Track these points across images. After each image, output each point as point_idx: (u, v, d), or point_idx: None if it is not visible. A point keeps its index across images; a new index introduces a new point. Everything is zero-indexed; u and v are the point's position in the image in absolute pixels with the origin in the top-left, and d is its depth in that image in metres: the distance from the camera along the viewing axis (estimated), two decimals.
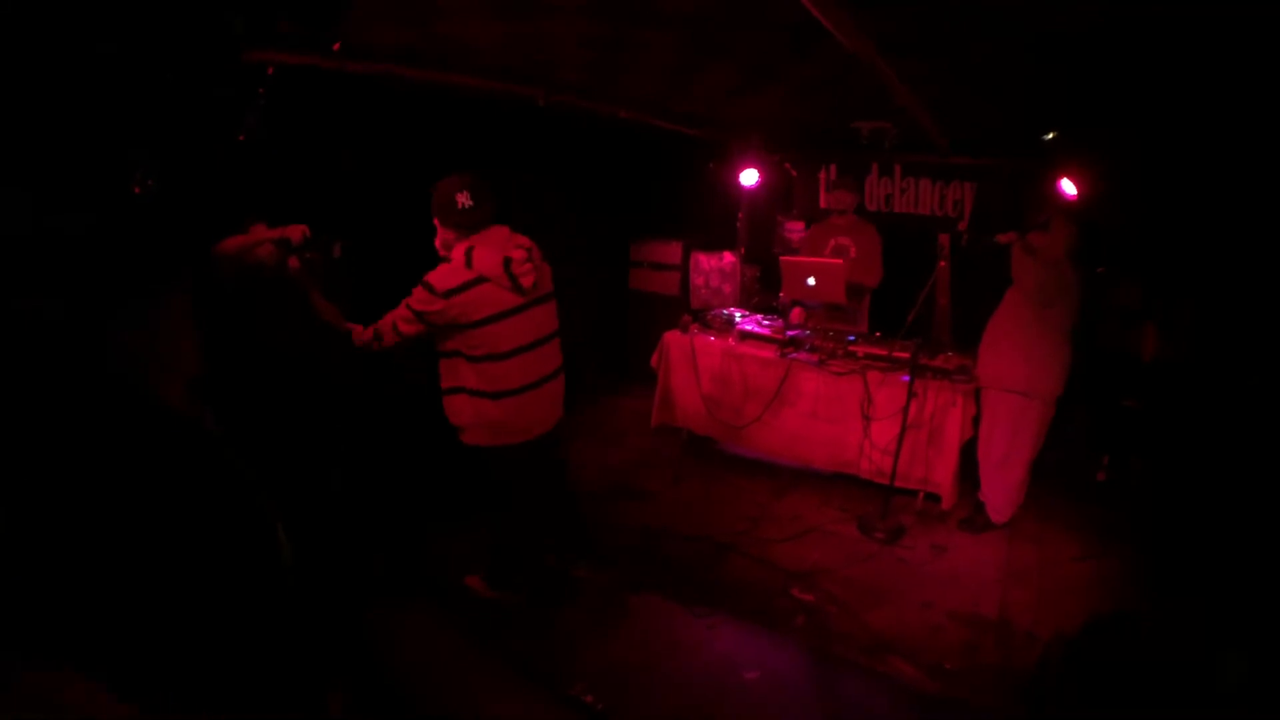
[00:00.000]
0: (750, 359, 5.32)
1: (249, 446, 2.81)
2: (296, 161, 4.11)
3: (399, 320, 3.27)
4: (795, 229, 6.67)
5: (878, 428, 4.89)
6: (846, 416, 5.02)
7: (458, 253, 3.23)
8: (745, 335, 5.46)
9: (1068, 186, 4.42)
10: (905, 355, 4.78)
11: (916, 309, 4.59)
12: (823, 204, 6.35)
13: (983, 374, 4.54)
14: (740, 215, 6.76)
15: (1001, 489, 4.56)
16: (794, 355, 5.17)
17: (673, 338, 5.67)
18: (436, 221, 3.34)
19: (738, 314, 5.74)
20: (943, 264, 4.78)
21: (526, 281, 3.25)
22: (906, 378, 4.62)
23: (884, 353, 4.94)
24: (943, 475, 4.70)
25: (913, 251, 5.56)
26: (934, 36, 3.36)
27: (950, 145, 5.56)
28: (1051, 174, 4.52)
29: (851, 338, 5.13)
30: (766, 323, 5.56)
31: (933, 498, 4.82)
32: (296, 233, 3.32)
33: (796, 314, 5.70)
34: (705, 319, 5.70)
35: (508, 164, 6.08)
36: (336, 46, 3.22)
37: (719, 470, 5.45)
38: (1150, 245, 5.13)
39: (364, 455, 4.18)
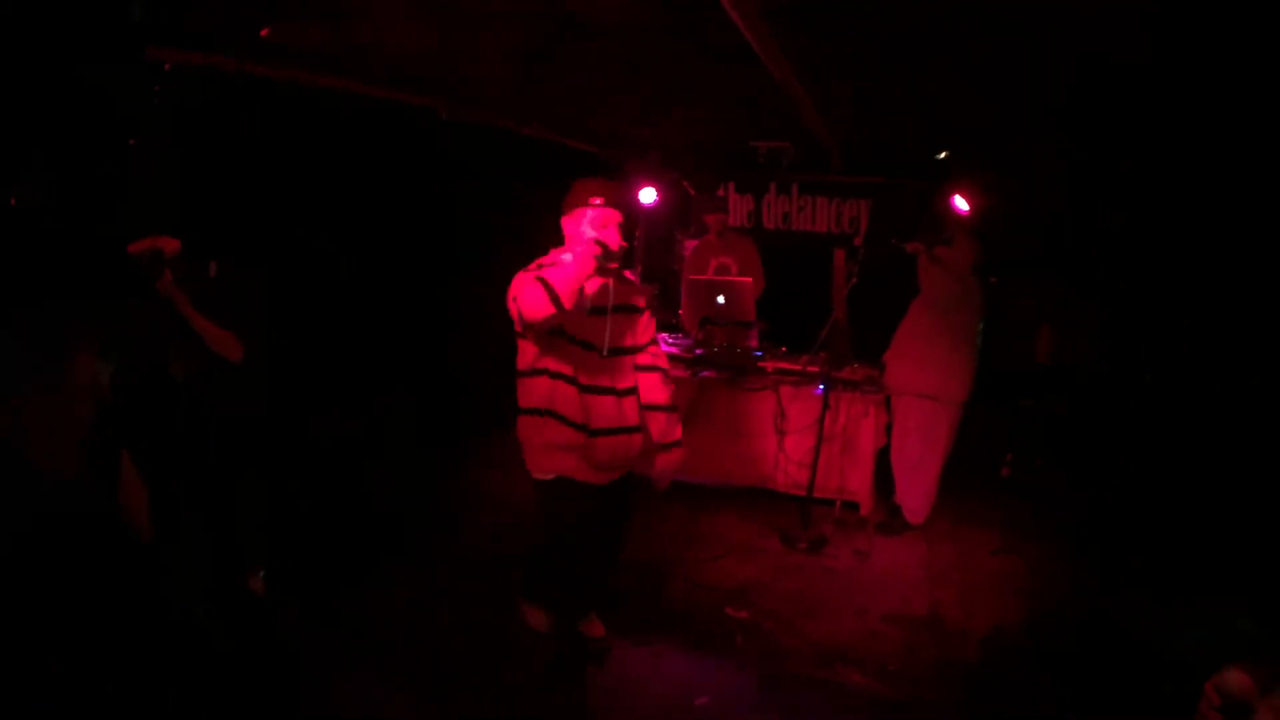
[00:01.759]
0: None
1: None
2: (188, 170, 3.79)
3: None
4: (693, 246, 6.74)
5: (792, 441, 4.97)
6: (760, 432, 5.07)
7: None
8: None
9: (960, 202, 4.67)
10: (816, 369, 4.89)
11: (830, 323, 4.71)
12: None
13: (893, 382, 4.71)
14: (638, 233, 6.76)
15: (917, 491, 4.74)
16: (704, 374, 5.18)
17: None
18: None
19: None
20: (852, 280, 4.95)
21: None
22: (819, 391, 4.73)
23: (796, 367, 5.03)
24: (859, 483, 4.83)
25: (811, 268, 5.71)
26: (854, 62, 3.47)
27: (847, 164, 5.77)
28: (948, 191, 4.77)
29: (759, 353, 5.19)
30: (673, 341, 5.55)
31: (850, 505, 4.93)
32: (170, 245, 3.04)
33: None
34: None
35: (406, 180, 5.85)
36: (265, 32, 2.96)
37: (638, 495, 5.36)
38: (1041, 255, 5.51)
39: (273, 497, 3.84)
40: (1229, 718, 1.48)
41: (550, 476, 3.14)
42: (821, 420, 4.66)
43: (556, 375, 3.05)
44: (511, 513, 4.84)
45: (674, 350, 5.38)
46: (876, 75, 3.69)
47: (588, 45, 3.39)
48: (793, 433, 4.94)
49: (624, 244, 3.08)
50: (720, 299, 5.16)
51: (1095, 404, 5.14)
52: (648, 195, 6.38)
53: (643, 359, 3.30)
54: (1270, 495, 3.90)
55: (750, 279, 5.26)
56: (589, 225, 3.02)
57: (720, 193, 6.52)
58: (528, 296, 2.80)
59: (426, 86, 4.33)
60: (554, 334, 2.98)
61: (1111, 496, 4.63)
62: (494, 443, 6.03)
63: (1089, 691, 3.18)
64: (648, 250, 6.83)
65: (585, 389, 3.05)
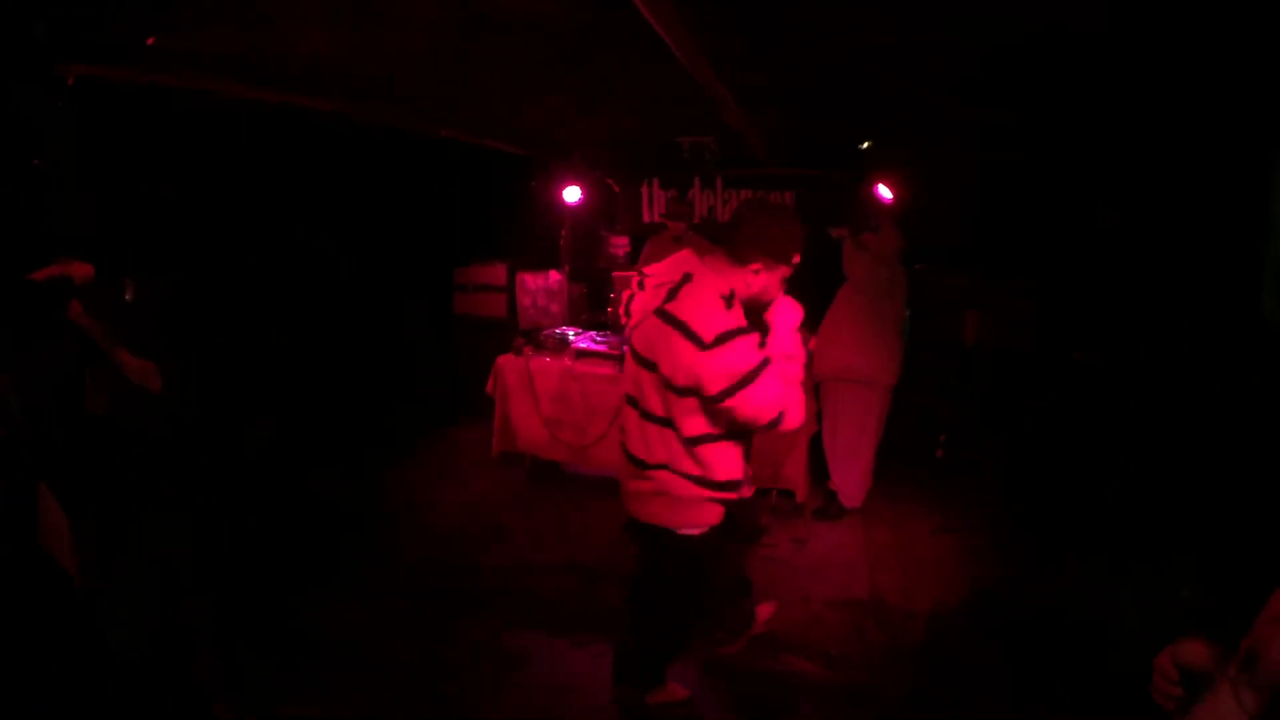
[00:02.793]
0: (590, 377, 5.18)
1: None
2: (94, 187, 3.58)
3: None
4: (620, 244, 6.68)
5: None
6: None
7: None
8: (582, 353, 5.32)
9: (884, 192, 4.71)
10: None
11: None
12: (646, 218, 6.40)
13: (822, 368, 4.70)
14: (564, 233, 6.67)
15: (851, 476, 4.74)
16: None
17: (506, 361, 5.42)
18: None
19: (571, 332, 5.60)
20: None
21: (634, 319, 2.70)
22: None
23: None
24: (794, 471, 4.80)
25: None
26: (771, 55, 3.45)
27: (770, 156, 5.78)
28: (871, 180, 4.80)
29: None
30: (602, 339, 5.47)
31: (786, 493, 4.90)
32: (79, 272, 2.82)
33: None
34: (539, 340, 5.51)
35: (320, 187, 5.68)
36: (151, 41, 2.78)
37: (570, 494, 5.27)
38: (963, 243, 5.61)
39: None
40: (1187, 691, 1.41)
41: (701, 530, 2.70)
42: None
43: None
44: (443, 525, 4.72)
45: (602, 348, 5.30)
46: (794, 66, 3.68)
47: (500, 45, 3.30)
48: None
49: None
50: None
51: (1024, 383, 5.24)
52: (572, 194, 6.31)
53: None
54: (1195, 464, 4.01)
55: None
56: (769, 288, 2.54)
57: (644, 189, 6.48)
58: (765, 392, 2.36)
59: (339, 92, 4.17)
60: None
61: (1046, 474, 4.70)
62: (421, 452, 5.92)
63: (1034, 670, 3.18)
64: (574, 249, 6.73)
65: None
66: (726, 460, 2.58)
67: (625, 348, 2.86)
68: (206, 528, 3.56)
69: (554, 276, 6.00)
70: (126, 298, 3.02)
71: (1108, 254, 4.97)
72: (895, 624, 3.70)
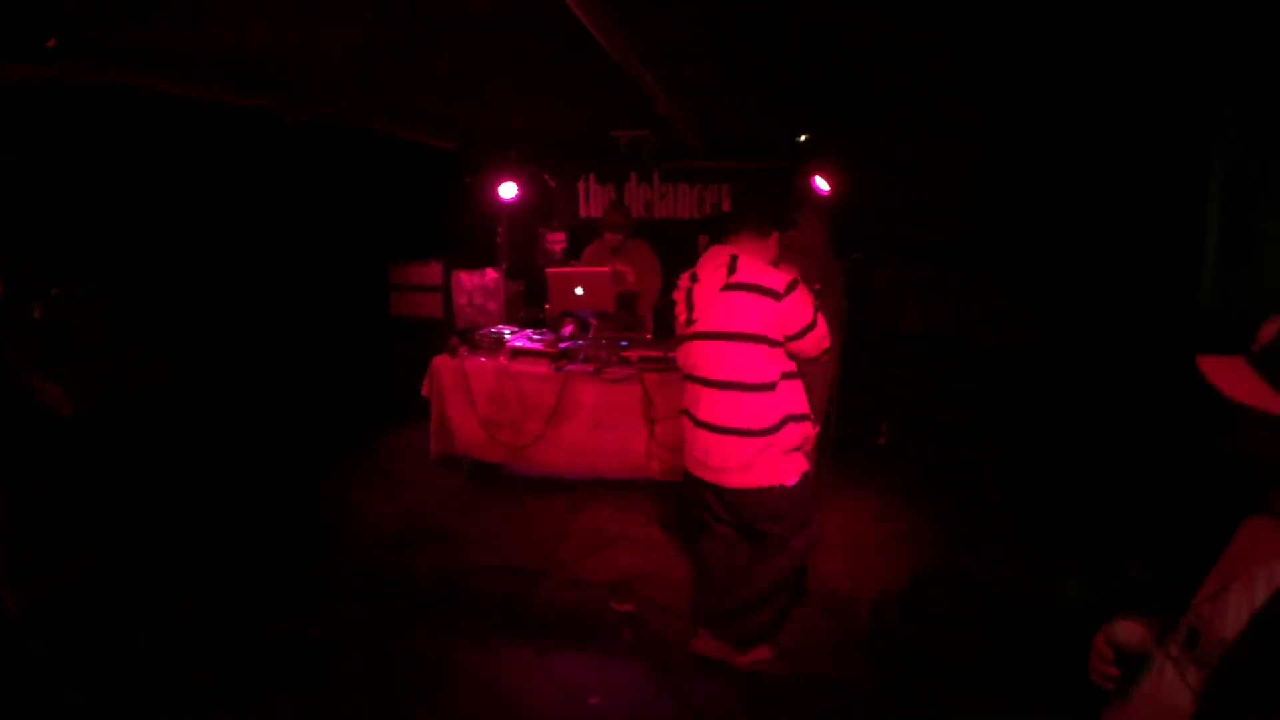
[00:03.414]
0: (525, 376, 5.11)
1: None
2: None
3: None
4: (557, 240, 6.59)
5: (662, 428, 4.87)
6: (630, 422, 4.95)
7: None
8: (517, 352, 5.25)
9: (821, 183, 4.68)
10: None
11: None
12: (583, 213, 6.34)
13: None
14: (500, 229, 6.57)
15: None
16: (569, 367, 5.04)
17: (442, 362, 5.33)
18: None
19: (507, 331, 5.53)
20: None
21: (695, 310, 3.04)
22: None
23: (659, 354, 4.95)
24: None
25: (674, 254, 5.65)
26: (701, 48, 3.41)
27: (707, 150, 5.74)
28: (804, 173, 4.78)
29: (625, 343, 5.09)
30: (538, 337, 5.40)
31: None
32: None
33: (569, 326, 5.58)
34: (474, 339, 5.43)
35: (249, 187, 5.54)
36: (52, 43, 2.66)
37: (510, 495, 5.21)
38: (896, 232, 5.64)
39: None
40: (1125, 671, 1.42)
41: (800, 475, 3.09)
42: None
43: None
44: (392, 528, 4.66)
45: (537, 346, 5.24)
46: (726, 58, 3.64)
47: (430, 39, 3.23)
48: (662, 420, 4.83)
49: None
50: (579, 290, 5.03)
51: (964, 369, 5.28)
52: (508, 190, 6.22)
53: None
54: (1133, 446, 4.06)
55: (607, 269, 5.16)
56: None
57: (581, 184, 6.41)
58: (822, 328, 3.01)
59: (267, 88, 4.06)
60: None
61: (990, 459, 4.74)
62: (359, 457, 5.81)
63: (978, 653, 3.18)
64: (512, 246, 6.64)
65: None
66: (801, 394, 3.07)
67: (690, 343, 3.13)
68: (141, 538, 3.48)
69: (490, 274, 5.91)
70: (35, 315, 2.89)
71: (1061, 245, 5.02)
72: (842, 611, 3.70)
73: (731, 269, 2.94)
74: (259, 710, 3.06)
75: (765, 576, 3.21)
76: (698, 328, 3.04)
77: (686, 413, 3.18)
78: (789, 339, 2.92)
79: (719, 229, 3.21)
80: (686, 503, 3.57)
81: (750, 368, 2.92)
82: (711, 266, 3.02)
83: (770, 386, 2.93)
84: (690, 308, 3.08)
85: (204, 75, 3.74)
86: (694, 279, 3.09)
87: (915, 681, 3.14)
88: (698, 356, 3.06)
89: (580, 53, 3.20)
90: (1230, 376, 1.28)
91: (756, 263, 2.97)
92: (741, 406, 2.94)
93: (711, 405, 3.01)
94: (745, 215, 3.11)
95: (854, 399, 5.25)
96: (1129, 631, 1.42)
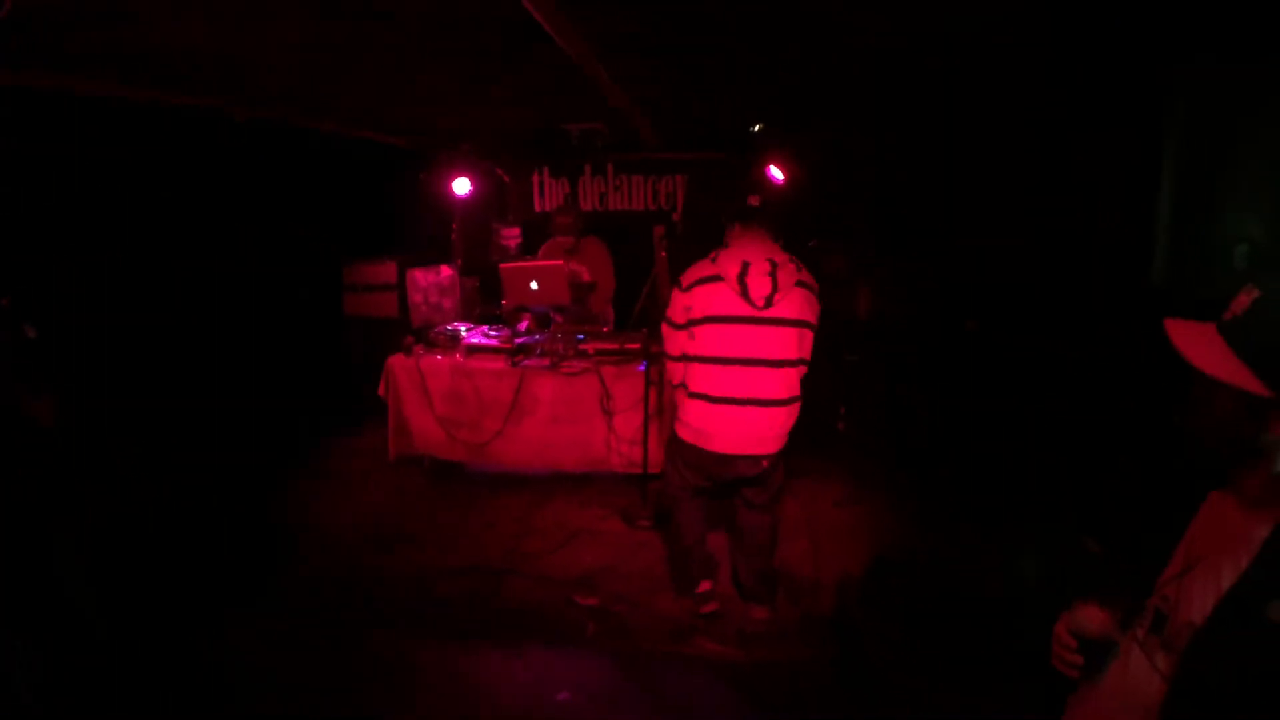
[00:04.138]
0: (481, 373, 5.07)
1: None
2: None
3: (665, 344, 3.42)
4: (511, 235, 6.54)
5: (620, 421, 4.86)
6: (588, 415, 4.93)
7: (715, 251, 3.29)
8: (473, 349, 5.21)
9: (775, 173, 4.68)
10: (636, 346, 4.82)
11: (642, 300, 4.63)
12: (537, 208, 6.30)
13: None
14: (454, 226, 6.50)
15: None
16: (526, 363, 5.01)
17: (397, 361, 5.27)
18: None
19: (463, 328, 5.48)
20: (662, 254, 4.88)
21: (757, 293, 3.17)
22: (641, 368, 4.64)
23: (615, 346, 4.95)
24: None
25: (629, 246, 5.65)
26: (652, 39, 3.38)
27: (660, 142, 5.73)
28: (758, 163, 4.78)
29: (581, 336, 5.07)
30: (494, 334, 5.37)
31: None
32: None
33: (525, 321, 5.55)
34: (429, 337, 5.37)
35: (197, 188, 5.44)
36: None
37: (471, 493, 5.14)
38: (847, 221, 5.66)
39: None
40: (1089, 658, 1.39)
41: None
42: (646, 397, 4.57)
43: None
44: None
45: (493, 342, 5.20)
46: (676, 49, 3.62)
47: (374, 33, 3.16)
48: (620, 412, 4.82)
49: None
50: (534, 284, 5.00)
51: (907, 353, 5.32)
52: (462, 186, 6.16)
53: None
54: (1089, 427, 4.12)
55: (560, 262, 5.13)
56: None
57: (535, 178, 6.36)
58: None
59: (213, 88, 3.98)
60: None
61: (942, 441, 4.78)
62: (317, 461, 5.72)
63: (939, 638, 3.21)
64: (467, 243, 6.58)
65: None
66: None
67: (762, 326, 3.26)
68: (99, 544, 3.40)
69: (445, 271, 5.86)
70: (29, 335, 2.83)
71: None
72: (805, 597, 3.71)
73: (800, 269, 3.33)
74: (219, 715, 3.02)
75: (772, 537, 3.65)
76: (761, 313, 3.21)
77: (704, 396, 3.30)
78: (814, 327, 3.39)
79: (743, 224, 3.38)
80: (688, 488, 3.57)
81: (797, 348, 3.31)
82: (761, 259, 3.23)
83: (801, 361, 3.38)
84: (745, 293, 3.19)
85: (146, 76, 3.66)
86: (741, 269, 3.22)
87: (877, 667, 3.17)
88: (745, 340, 3.24)
89: (530, 46, 3.17)
90: (1199, 346, 1.21)
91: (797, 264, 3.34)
92: (789, 381, 3.32)
93: (763, 383, 3.26)
94: (763, 215, 3.39)
95: (812, 385, 5.29)
96: (1090, 617, 1.39)
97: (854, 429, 5.63)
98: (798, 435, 5.02)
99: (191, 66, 3.53)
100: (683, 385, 3.40)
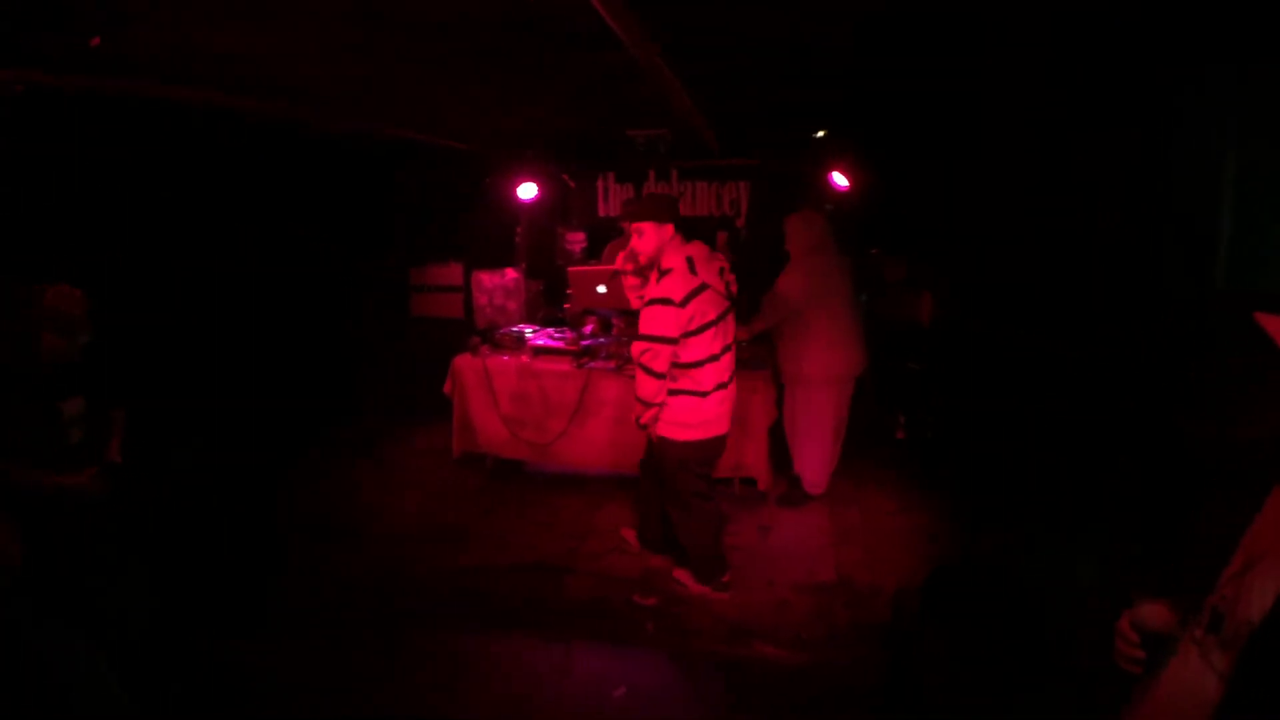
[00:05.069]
0: (548, 374, 5.12)
1: None
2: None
3: (649, 364, 3.42)
4: (576, 239, 6.61)
5: None
6: None
7: (677, 260, 3.43)
8: (539, 350, 5.27)
9: (839, 179, 4.70)
10: None
11: None
12: (601, 213, 6.36)
13: (815, 372, 4.61)
14: (519, 230, 6.59)
15: (814, 463, 4.73)
16: (591, 364, 5.05)
17: (464, 361, 5.35)
18: (651, 224, 3.50)
19: (528, 330, 5.55)
20: (731, 258, 4.90)
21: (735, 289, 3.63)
22: None
23: None
24: (755, 459, 4.77)
25: None
26: (715, 42, 3.41)
27: (725, 146, 5.76)
28: (821, 170, 4.80)
29: None
30: (559, 336, 5.42)
31: (748, 482, 4.87)
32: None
33: (590, 324, 5.60)
34: (495, 339, 5.45)
35: (266, 197, 5.57)
36: (96, 41, 2.69)
37: (531, 492, 5.19)
38: (911, 227, 5.64)
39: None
40: (1151, 655, 1.37)
41: None
42: None
43: None
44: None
45: (559, 344, 5.25)
46: (742, 54, 3.65)
47: (439, 40, 3.21)
48: None
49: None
50: (601, 288, 5.04)
51: (968, 362, 5.28)
52: (527, 191, 6.25)
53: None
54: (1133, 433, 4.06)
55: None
56: None
57: (599, 183, 6.43)
58: None
59: (282, 96, 4.08)
60: None
61: (1004, 450, 4.72)
62: (381, 457, 5.81)
63: (996, 643, 3.17)
64: (532, 246, 6.66)
65: None
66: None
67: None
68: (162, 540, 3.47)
69: (510, 274, 5.94)
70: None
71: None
72: (862, 603, 3.69)
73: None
74: (278, 705, 3.05)
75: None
76: (715, 315, 3.51)
77: (704, 392, 3.55)
78: None
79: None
80: (694, 476, 3.73)
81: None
82: (706, 260, 3.55)
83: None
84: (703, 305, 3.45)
85: (218, 83, 3.76)
86: (698, 274, 3.48)
87: (928, 673, 3.13)
88: (725, 331, 3.59)
89: (598, 50, 3.21)
90: None
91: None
92: (731, 360, 3.69)
93: (731, 364, 3.68)
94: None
95: (872, 393, 5.28)
96: (1153, 614, 1.38)
97: (914, 437, 5.60)
98: (857, 443, 5.05)
99: (259, 74, 3.62)
100: (689, 393, 3.55)
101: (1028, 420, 4.33)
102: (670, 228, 3.52)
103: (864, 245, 4.84)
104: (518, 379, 5.19)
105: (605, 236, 5.92)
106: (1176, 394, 3.15)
